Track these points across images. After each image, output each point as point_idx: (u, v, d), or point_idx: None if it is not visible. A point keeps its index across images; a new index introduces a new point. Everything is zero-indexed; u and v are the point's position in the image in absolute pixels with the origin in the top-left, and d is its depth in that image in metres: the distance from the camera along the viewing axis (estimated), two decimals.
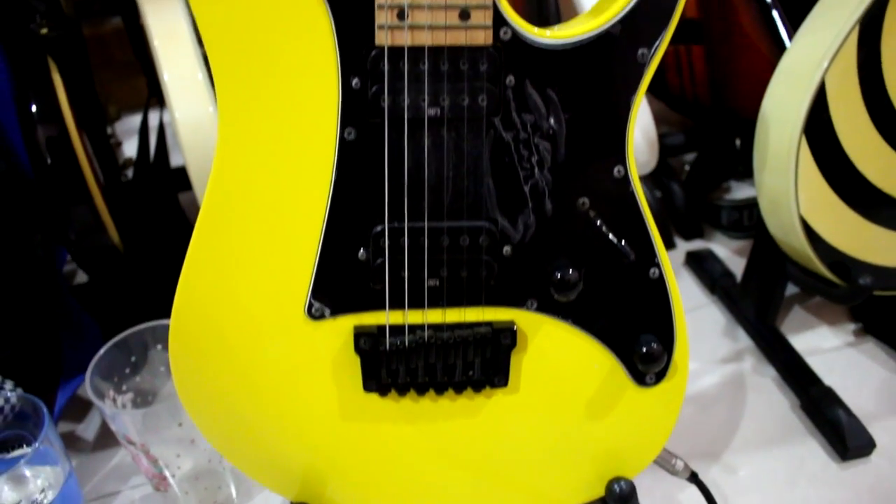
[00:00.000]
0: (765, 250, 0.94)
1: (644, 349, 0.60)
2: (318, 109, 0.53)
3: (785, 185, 0.82)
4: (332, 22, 0.51)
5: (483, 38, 0.52)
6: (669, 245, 1.14)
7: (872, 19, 0.78)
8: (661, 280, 0.60)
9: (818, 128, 0.79)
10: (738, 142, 1.21)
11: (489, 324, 0.59)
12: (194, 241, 0.56)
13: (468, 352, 0.59)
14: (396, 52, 0.52)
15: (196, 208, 0.61)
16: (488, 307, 0.59)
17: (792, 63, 0.82)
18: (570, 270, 0.57)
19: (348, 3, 0.51)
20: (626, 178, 0.57)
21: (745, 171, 1.22)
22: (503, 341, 0.59)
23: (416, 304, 0.58)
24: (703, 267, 1.08)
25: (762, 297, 0.97)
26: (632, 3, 0.53)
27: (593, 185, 0.57)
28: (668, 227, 1.15)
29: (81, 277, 1.08)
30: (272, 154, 0.54)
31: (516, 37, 0.53)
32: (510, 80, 0.53)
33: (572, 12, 1.00)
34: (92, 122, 0.88)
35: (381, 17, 0.51)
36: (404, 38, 0.51)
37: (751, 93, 1.14)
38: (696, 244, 1.15)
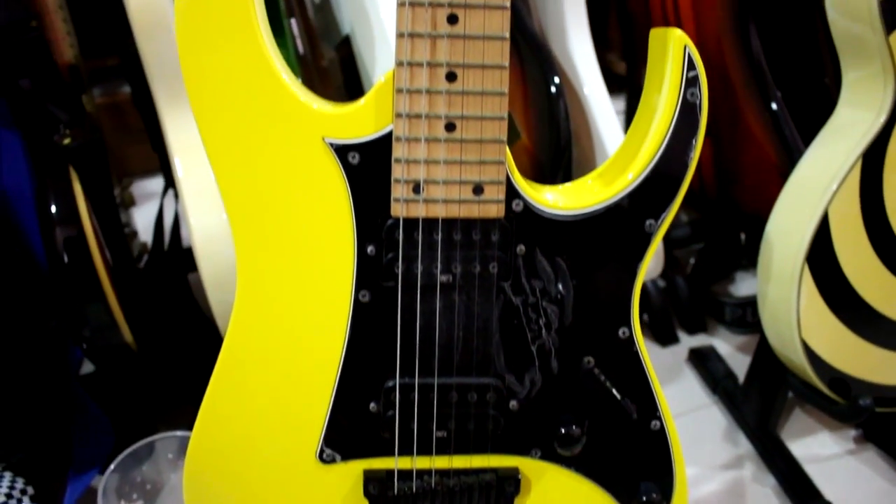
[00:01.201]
0: (766, 358, 0.95)
1: (644, 497, 0.62)
2: (334, 272, 0.55)
3: (787, 307, 0.83)
4: (350, 193, 0.53)
5: (496, 211, 0.54)
6: (672, 339, 1.15)
7: (875, 153, 0.79)
8: (662, 431, 0.61)
9: (821, 256, 0.81)
10: (742, 236, 1.22)
11: (494, 470, 0.61)
12: (214, 382, 0.58)
13: (473, 498, 0.60)
14: (411, 222, 0.53)
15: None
16: (494, 454, 0.60)
17: (796, 190, 0.83)
18: (574, 427, 0.59)
19: (366, 176, 0.53)
20: (630, 339, 0.58)
21: (749, 264, 1.24)
22: (507, 489, 0.61)
23: (425, 451, 0.59)
24: (706, 366, 1.09)
25: (763, 405, 0.98)
26: (641, 177, 0.55)
27: (598, 345, 0.58)
28: (672, 320, 1.16)
29: (89, 366, 1.09)
30: (289, 310, 0.56)
31: (528, 208, 0.54)
32: (521, 248, 0.55)
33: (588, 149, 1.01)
34: (108, 220, 0.90)
35: (398, 191, 0.53)
36: (419, 211, 0.53)
37: (756, 190, 1.16)
38: (700, 339, 1.16)
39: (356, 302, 0.55)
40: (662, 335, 1.15)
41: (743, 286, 1.24)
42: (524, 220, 0.54)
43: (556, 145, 0.95)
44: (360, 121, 0.52)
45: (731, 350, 1.14)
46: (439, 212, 0.53)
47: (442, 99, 0.51)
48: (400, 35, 0.50)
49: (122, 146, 1.45)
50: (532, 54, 0.95)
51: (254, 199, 0.54)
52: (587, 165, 0.99)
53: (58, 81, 0.83)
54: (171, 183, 1.03)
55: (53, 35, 0.90)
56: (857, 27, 0.78)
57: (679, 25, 1.17)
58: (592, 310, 0.57)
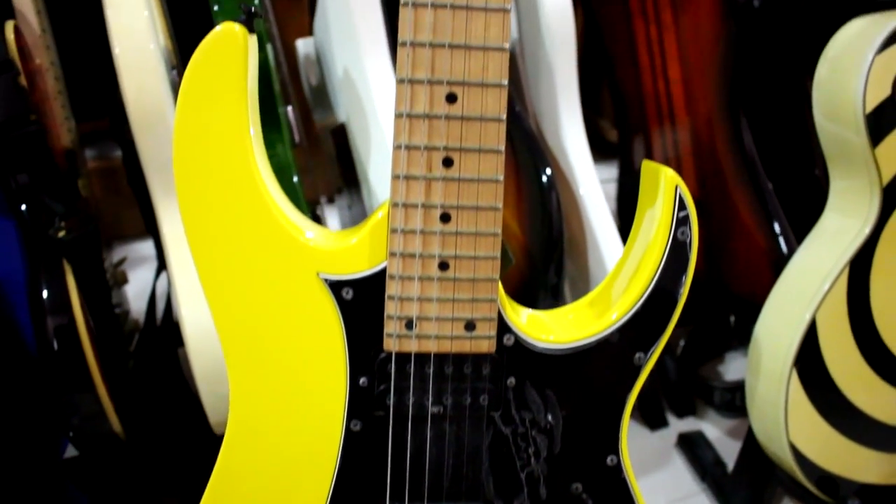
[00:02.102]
0: (755, 452, 0.96)
1: None
2: (326, 401, 0.55)
3: (774, 409, 0.84)
4: (343, 327, 0.53)
5: (487, 346, 0.54)
6: (661, 423, 1.15)
7: (862, 261, 0.81)
8: None
9: (809, 361, 0.82)
10: (732, 318, 1.23)
11: None
12: (207, 495, 0.58)
13: None
14: (403, 357, 0.54)
15: None
16: None
17: (784, 294, 0.84)
18: None
19: (359, 311, 0.53)
20: (618, 466, 0.58)
21: (739, 346, 1.24)
22: None
23: None
24: (695, 453, 1.09)
25: (752, 497, 0.98)
26: (631, 313, 0.55)
27: (587, 472, 0.58)
28: (661, 402, 1.16)
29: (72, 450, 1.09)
30: (281, 435, 0.56)
31: (518, 342, 0.55)
32: (511, 381, 0.56)
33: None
34: (100, 310, 0.90)
35: (391, 327, 0.53)
36: (411, 346, 0.53)
37: (746, 275, 1.17)
38: (689, 422, 1.16)
39: (347, 430, 0.56)
40: (651, 418, 1.15)
41: (732, 368, 1.24)
42: (515, 353, 0.55)
43: (548, 238, 0.95)
44: (355, 257, 0.53)
45: (721, 434, 1.14)
46: (431, 347, 0.54)
47: (436, 239, 0.51)
48: (395, 177, 0.50)
49: (116, 209, 1.45)
50: (524, 145, 0.96)
51: (245, 327, 0.54)
52: (579, 258, 1.00)
53: (54, 174, 0.84)
54: (164, 265, 1.03)
55: (52, 122, 0.91)
56: (844, 136, 0.80)
57: (671, 109, 1.19)
58: (581, 438, 0.57)
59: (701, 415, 1.18)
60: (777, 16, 1.13)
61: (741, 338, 1.23)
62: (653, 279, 0.55)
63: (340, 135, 1.01)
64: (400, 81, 0.49)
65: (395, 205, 0.51)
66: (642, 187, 0.59)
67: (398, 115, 0.50)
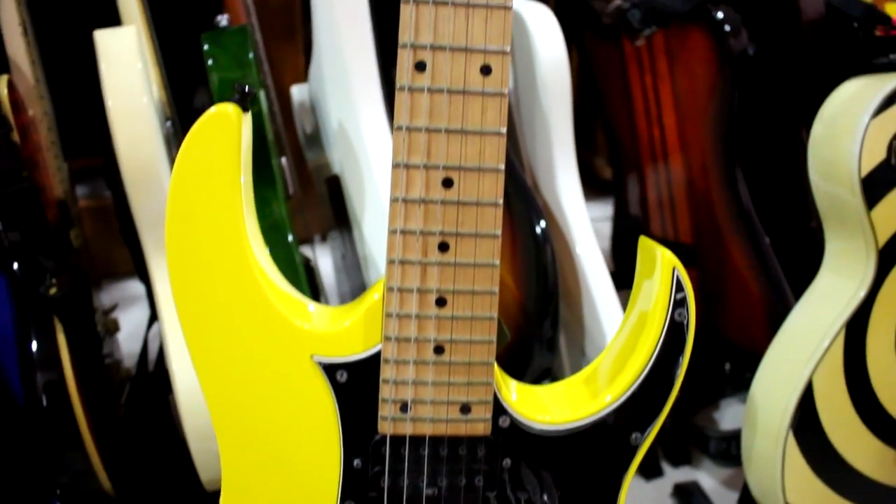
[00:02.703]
0: None
1: None
2: (319, 482, 0.54)
3: (771, 469, 0.83)
4: (338, 409, 0.53)
5: (483, 428, 0.54)
6: (657, 472, 1.14)
7: (858, 323, 0.80)
8: None
9: (806, 423, 0.81)
10: (727, 365, 1.23)
11: None
12: None
13: None
14: (398, 439, 0.53)
15: None
16: None
17: (780, 355, 0.84)
18: None
19: (354, 393, 0.53)
20: None
21: (734, 393, 1.24)
22: None
23: None
24: (691, 503, 1.08)
25: None
26: (627, 394, 0.55)
27: None
28: (656, 451, 1.16)
29: None
30: None
31: (514, 424, 0.54)
32: (507, 462, 0.55)
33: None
34: (90, 365, 0.89)
35: (385, 410, 0.53)
36: (406, 429, 0.53)
37: (741, 323, 1.17)
38: (684, 472, 1.16)
39: None
40: (646, 468, 1.14)
41: (728, 416, 1.24)
42: (510, 435, 0.54)
43: (543, 291, 0.95)
44: (349, 340, 0.52)
45: (716, 484, 1.13)
46: (426, 430, 0.53)
47: (431, 323, 0.51)
48: (391, 262, 0.50)
49: (107, 248, 1.44)
50: (519, 197, 0.96)
51: (237, 405, 0.53)
52: (575, 311, 0.99)
53: (46, 231, 0.83)
54: (155, 317, 1.02)
55: (44, 173, 0.90)
56: (840, 197, 0.80)
57: (665, 156, 1.19)
58: None
59: (696, 464, 1.17)
60: (772, 65, 1.14)
61: (736, 385, 1.23)
62: (650, 361, 0.54)
63: (335, 185, 1.00)
64: (395, 166, 0.49)
65: (390, 289, 0.50)
66: (640, 260, 0.59)
67: (393, 200, 0.49)
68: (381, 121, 0.88)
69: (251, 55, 0.86)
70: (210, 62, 0.85)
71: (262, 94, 0.90)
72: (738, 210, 1.12)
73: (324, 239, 1.40)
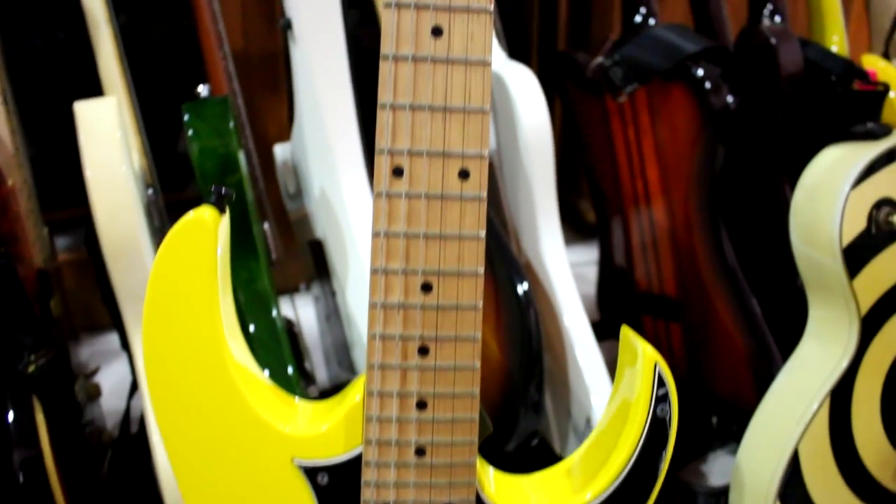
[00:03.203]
0: None
1: None
2: None
3: None
4: None
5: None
6: None
7: (842, 391, 0.80)
8: None
9: (793, 492, 0.81)
10: (714, 419, 1.22)
11: None
12: None
13: None
14: None
15: None
16: None
17: (765, 424, 0.84)
18: None
19: (335, 496, 0.52)
20: None
21: (721, 447, 1.23)
22: None
23: None
24: None
25: None
26: (610, 489, 0.54)
27: None
28: None
29: None
30: None
31: None
32: None
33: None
34: (70, 439, 0.88)
35: (367, 494, 0.52)
36: None
37: (727, 378, 1.16)
38: None
39: None
40: None
41: (715, 471, 1.23)
42: None
43: (528, 355, 0.95)
44: (330, 442, 0.52)
45: None
46: None
47: (412, 426, 0.50)
48: (370, 366, 0.50)
49: (88, 300, 1.43)
50: (501, 260, 0.96)
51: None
52: (560, 375, 0.99)
53: (24, 307, 0.82)
54: (136, 386, 1.01)
55: (23, 244, 0.89)
56: (821, 264, 0.80)
57: (648, 209, 1.19)
58: None
59: None
60: (753, 118, 1.14)
61: (724, 439, 1.22)
62: (632, 457, 0.54)
63: (318, 249, 1.00)
64: (374, 272, 0.48)
65: (370, 392, 0.50)
66: (622, 348, 0.59)
67: (372, 306, 0.49)
68: (363, 191, 0.88)
69: (232, 124, 0.86)
70: (190, 132, 0.85)
71: (242, 158, 0.89)
72: (722, 264, 1.12)
73: (308, 288, 1.39)
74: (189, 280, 0.49)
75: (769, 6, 1.22)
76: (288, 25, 0.85)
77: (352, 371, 1.02)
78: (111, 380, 1.33)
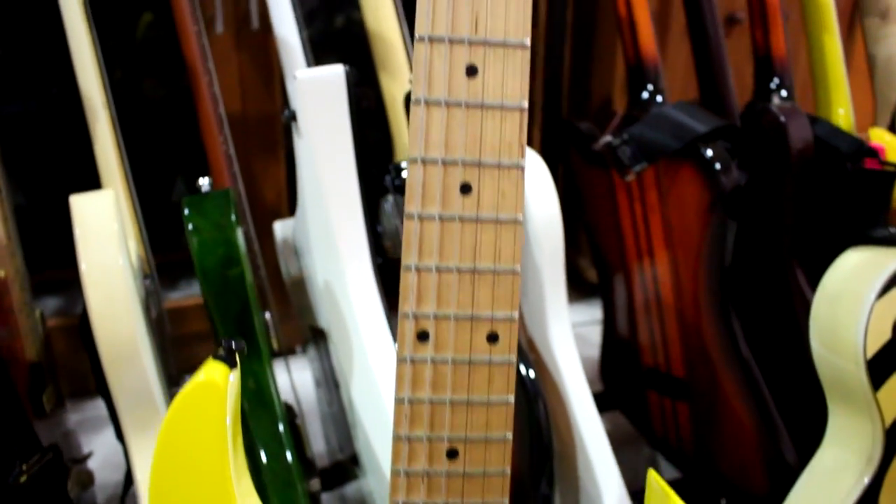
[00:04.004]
0: None
1: None
2: None
3: None
4: None
5: None
6: None
7: None
8: None
9: None
10: (723, 501, 1.19)
11: None
12: None
13: None
14: None
15: None
16: None
17: None
18: None
19: None
20: None
21: None
22: None
23: None
24: None
25: None
26: None
27: None
28: None
29: None
30: None
31: None
32: None
33: None
34: None
35: None
36: None
37: (736, 462, 1.14)
38: None
39: None
40: None
41: None
42: None
43: (537, 448, 0.92)
44: None
45: None
46: None
47: None
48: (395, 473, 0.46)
49: (79, 365, 1.39)
50: None
51: None
52: (570, 468, 0.96)
53: (16, 415, 0.79)
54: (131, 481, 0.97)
55: (16, 339, 0.86)
56: (844, 372, 0.78)
57: (656, 287, 1.17)
58: None
59: None
60: (763, 197, 1.13)
61: None
62: None
63: (321, 336, 0.97)
64: (397, 438, 0.46)
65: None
66: (648, 494, 0.56)
67: (395, 473, 0.46)
68: (369, 282, 0.85)
69: (233, 217, 0.83)
70: (190, 227, 0.82)
71: (242, 248, 0.86)
72: (732, 347, 1.10)
73: (304, 350, 1.36)
74: (198, 447, 0.46)
75: (776, 79, 1.21)
76: (292, 117, 0.83)
77: (354, 462, 0.99)
78: (103, 449, 1.29)
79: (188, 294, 1.56)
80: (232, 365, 0.48)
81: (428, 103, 0.43)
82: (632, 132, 1.07)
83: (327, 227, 0.84)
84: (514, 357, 0.46)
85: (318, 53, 1.62)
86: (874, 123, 1.29)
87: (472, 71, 0.43)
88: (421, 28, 0.42)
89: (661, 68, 1.16)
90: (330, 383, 0.99)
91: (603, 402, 1.35)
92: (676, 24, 1.61)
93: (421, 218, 0.44)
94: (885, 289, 0.74)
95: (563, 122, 1.31)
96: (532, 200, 0.91)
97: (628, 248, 1.20)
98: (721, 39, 1.19)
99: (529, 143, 1.54)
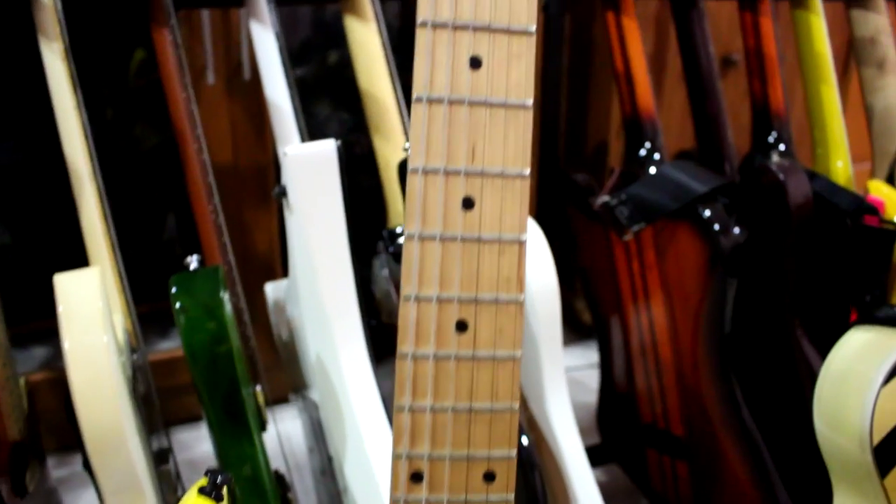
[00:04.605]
0: None
1: None
2: None
3: None
4: None
5: None
6: None
7: None
8: None
9: None
10: None
11: None
12: None
13: None
14: None
15: None
16: None
17: None
18: None
19: None
20: None
21: None
22: None
23: None
24: None
25: None
26: None
27: None
28: None
29: None
30: None
31: None
32: None
33: None
34: None
35: None
36: None
37: None
38: None
39: None
40: None
41: None
42: None
43: None
44: None
45: None
46: None
47: None
48: None
49: (59, 420, 1.36)
50: None
51: None
52: None
53: None
54: None
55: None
56: (850, 456, 0.75)
57: (654, 345, 1.15)
58: None
59: None
60: (763, 255, 1.11)
61: None
62: None
63: (313, 409, 0.95)
64: None
65: None
66: None
67: None
68: (362, 359, 0.83)
69: (222, 294, 0.81)
70: (177, 305, 0.80)
71: (229, 314, 0.83)
72: (732, 410, 1.08)
73: (295, 397, 1.34)
74: None
75: (774, 132, 1.20)
76: (283, 194, 0.81)
77: None
78: None
79: (179, 344, 1.54)
80: (219, 499, 0.46)
81: (422, 238, 0.41)
82: (630, 192, 1.05)
83: (320, 309, 0.82)
84: (511, 496, 0.44)
85: (311, 93, 1.61)
86: (872, 175, 1.28)
87: (468, 204, 0.41)
88: (415, 160, 0.40)
89: (659, 123, 1.14)
90: (322, 454, 0.97)
91: (600, 454, 1.33)
92: (674, 65, 1.59)
93: (415, 357, 0.42)
94: (892, 374, 0.72)
95: (559, 173, 1.29)
96: (528, 271, 0.89)
97: (625, 304, 1.18)
98: (718, 90, 1.18)
99: None
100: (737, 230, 1.06)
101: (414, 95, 0.40)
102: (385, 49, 0.98)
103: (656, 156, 1.10)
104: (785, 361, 1.10)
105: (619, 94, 1.15)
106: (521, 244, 0.42)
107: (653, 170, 1.08)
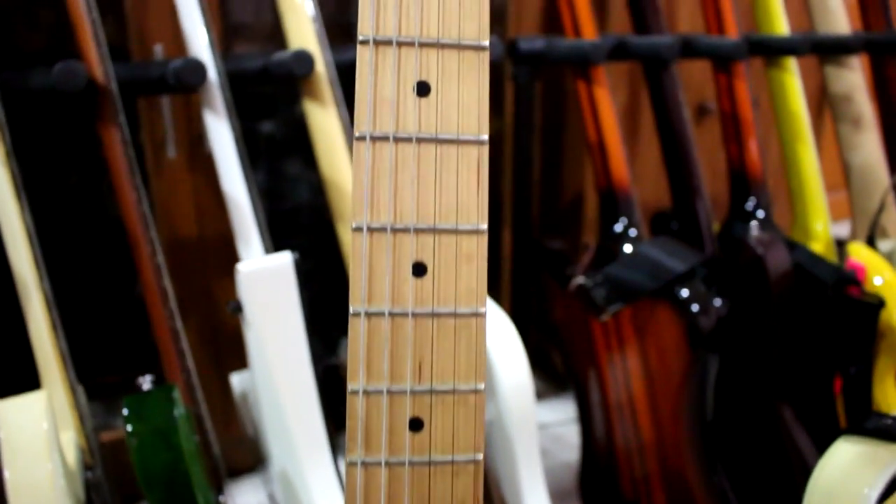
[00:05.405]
0: None
1: None
2: None
3: None
4: None
5: None
6: None
7: None
8: None
9: None
10: None
11: None
12: None
13: None
14: None
15: None
16: None
17: None
18: None
19: None
20: None
21: None
22: None
23: None
24: None
25: None
26: None
27: None
28: None
29: None
30: None
31: None
32: None
33: None
34: None
35: None
36: None
37: None
38: None
39: None
40: None
41: None
42: None
43: None
44: None
45: None
46: None
47: None
48: None
49: None
50: None
51: None
52: None
53: None
54: None
55: None
56: None
57: (635, 427, 1.11)
58: None
59: None
60: (744, 330, 1.08)
61: None
62: None
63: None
64: None
65: None
66: None
67: None
68: (330, 480, 0.79)
69: (176, 412, 0.77)
70: (129, 428, 0.76)
71: (186, 435, 0.79)
72: (717, 495, 1.05)
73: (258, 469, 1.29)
74: None
75: (752, 199, 1.17)
76: (238, 309, 0.77)
77: None
78: None
79: None
80: None
81: (366, 465, 0.37)
82: (606, 273, 1.02)
83: (283, 426, 0.78)
84: None
85: (280, 150, 1.56)
86: (853, 236, 1.25)
87: (416, 425, 0.37)
88: (353, 380, 0.37)
89: (634, 194, 1.11)
90: None
91: None
92: (647, 117, 1.56)
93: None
94: (886, 494, 0.69)
95: (533, 243, 1.26)
96: (500, 369, 0.86)
97: (605, 380, 1.15)
98: (693, 154, 1.15)
99: (497, 248, 1.48)
100: (717, 302, 1.03)
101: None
102: (346, 134, 0.94)
103: (632, 231, 1.07)
104: (770, 440, 1.07)
105: (594, 166, 1.12)
106: (477, 463, 0.38)
107: (629, 248, 1.05)
